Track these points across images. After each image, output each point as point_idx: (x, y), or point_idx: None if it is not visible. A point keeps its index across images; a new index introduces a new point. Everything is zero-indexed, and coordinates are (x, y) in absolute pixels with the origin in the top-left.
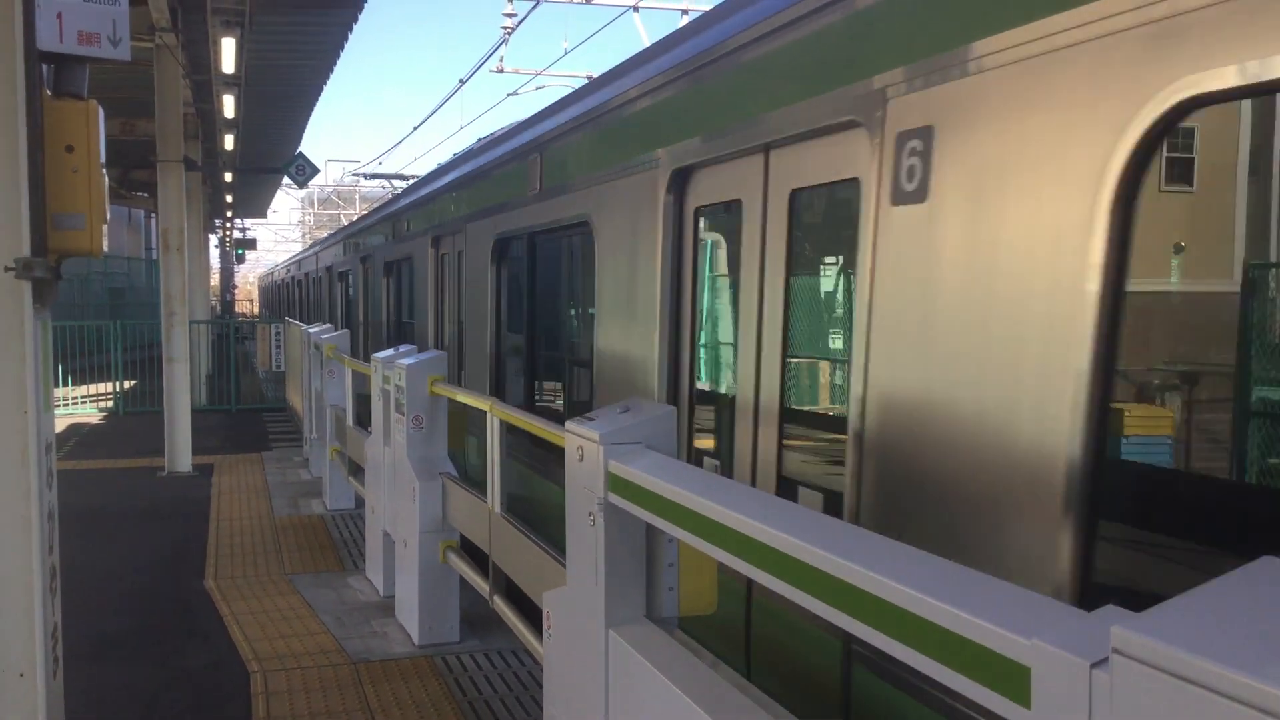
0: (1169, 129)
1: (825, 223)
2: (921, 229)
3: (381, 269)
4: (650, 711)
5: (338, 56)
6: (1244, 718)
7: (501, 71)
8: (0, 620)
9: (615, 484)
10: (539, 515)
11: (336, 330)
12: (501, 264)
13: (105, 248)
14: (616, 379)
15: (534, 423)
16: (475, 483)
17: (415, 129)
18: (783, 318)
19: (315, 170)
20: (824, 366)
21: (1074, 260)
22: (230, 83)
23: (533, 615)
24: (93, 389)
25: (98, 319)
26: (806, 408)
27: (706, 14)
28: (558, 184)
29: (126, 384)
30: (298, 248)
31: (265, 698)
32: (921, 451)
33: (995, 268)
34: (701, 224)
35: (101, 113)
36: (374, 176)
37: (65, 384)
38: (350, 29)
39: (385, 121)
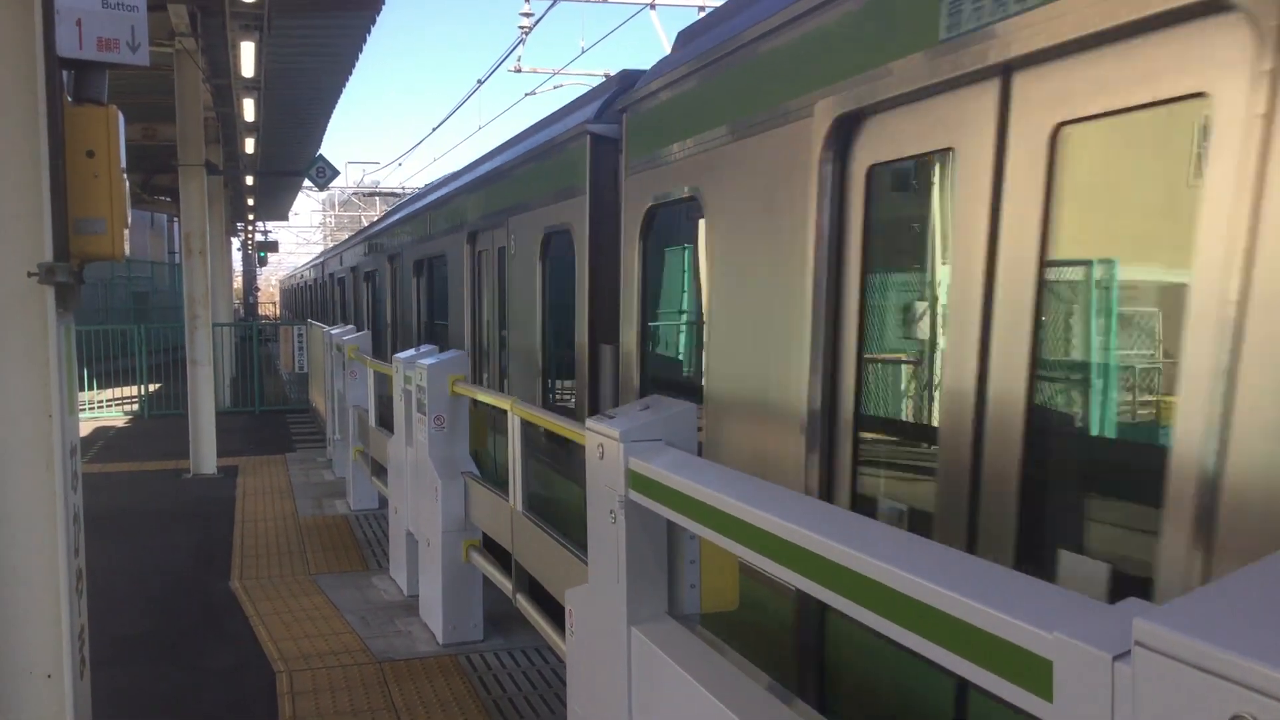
0: None
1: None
2: None
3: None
4: (674, 708)
5: (356, 59)
6: (1269, 710)
7: (519, 71)
8: (27, 622)
9: (636, 481)
10: (562, 514)
11: (363, 333)
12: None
13: (127, 252)
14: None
15: (555, 421)
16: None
17: (434, 130)
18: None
19: (335, 172)
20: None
21: None
22: (250, 86)
23: (555, 613)
24: (117, 393)
25: (122, 323)
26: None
27: None
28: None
29: (151, 387)
30: (319, 250)
31: (291, 697)
32: None
33: None
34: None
35: (122, 118)
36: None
37: (90, 388)
38: (368, 31)
39: (404, 123)
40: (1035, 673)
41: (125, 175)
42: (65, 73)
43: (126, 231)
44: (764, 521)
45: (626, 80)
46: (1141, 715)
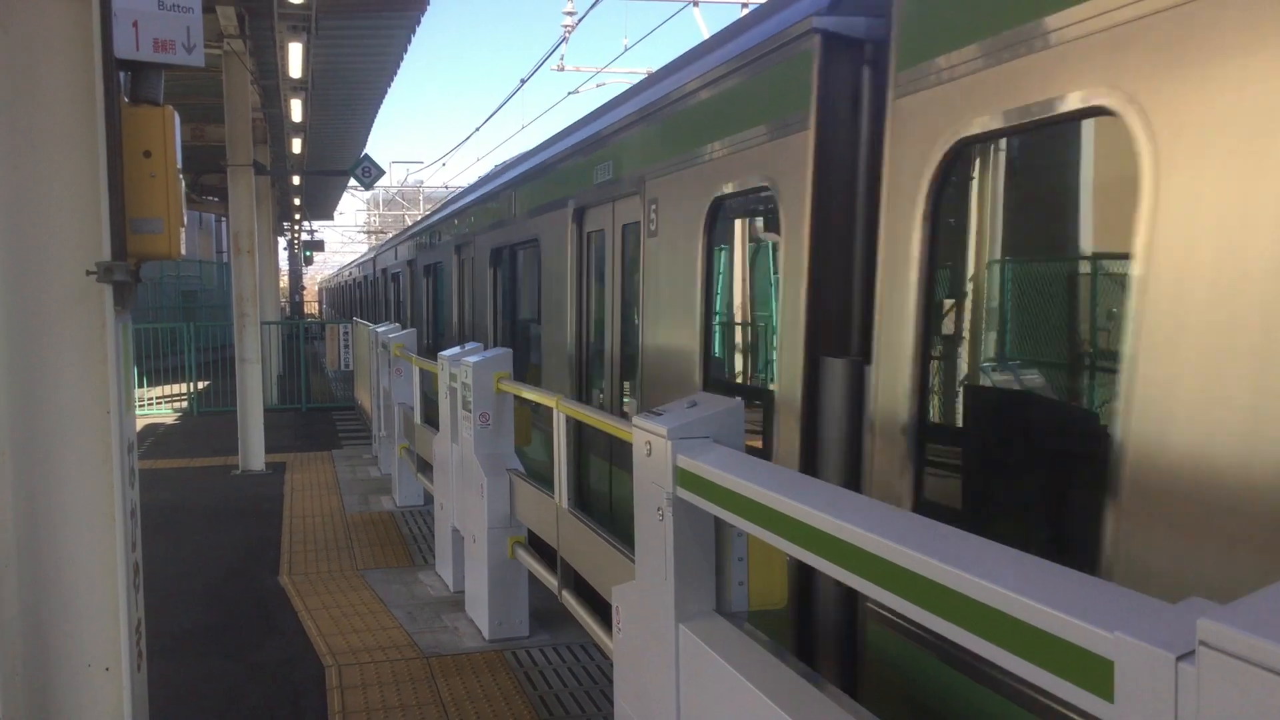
0: None
1: None
2: None
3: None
4: (723, 706)
5: (402, 59)
6: None
7: (562, 70)
8: (86, 616)
9: (684, 478)
10: (607, 509)
11: (409, 331)
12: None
13: (184, 251)
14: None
15: (601, 419)
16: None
17: (477, 129)
18: None
19: (381, 172)
20: None
21: None
22: (298, 87)
23: (601, 609)
24: (167, 390)
25: (171, 321)
26: None
27: None
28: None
29: (199, 384)
30: (363, 249)
31: (340, 691)
32: None
33: None
34: None
35: (177, 118)
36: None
37: (141, 385)
38: (414, 31)
39: (447, 123)
40: (1096, 673)
41: (181, 175)
42: (122, 74)
43: (182, 231)
44: (814, 519)
45: None
46: (1205, 716)
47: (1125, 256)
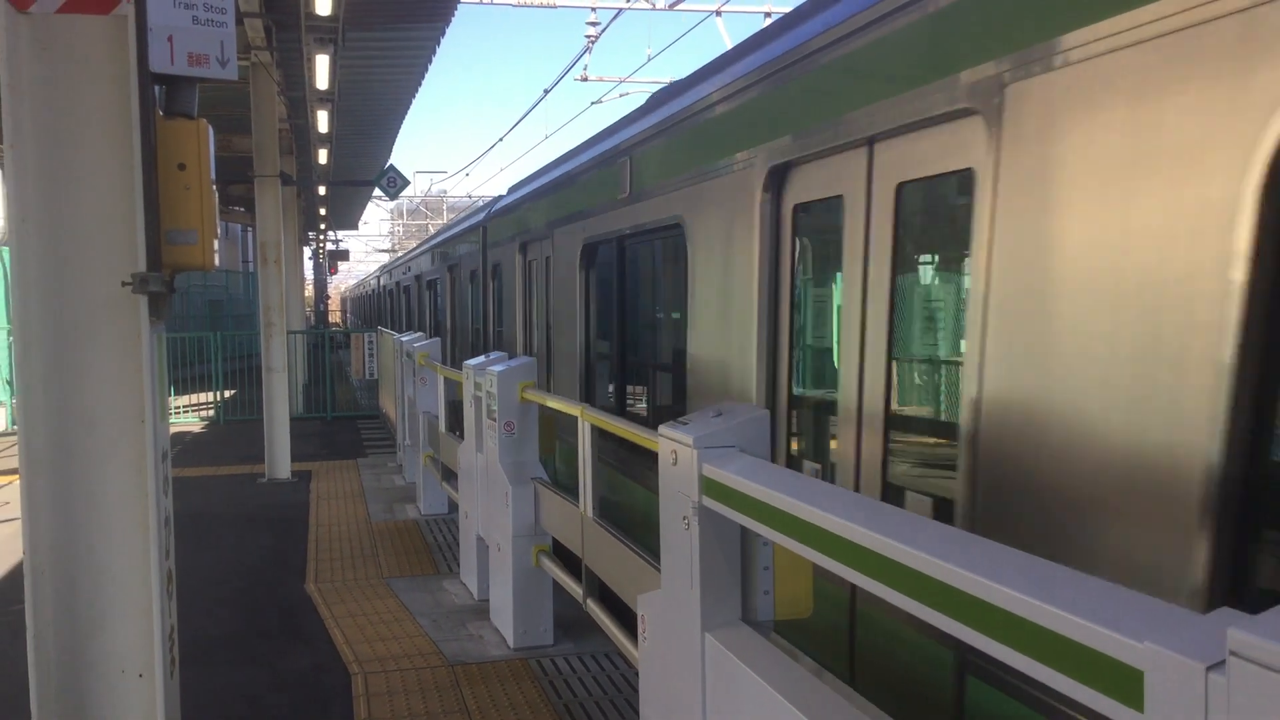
0: None
1: None
2: None
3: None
4: (750, 715)
5: (426, 69)
6: None
7: (586, 80)
8: (120, 622)
9: (709, 487)
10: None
11: (433, 340)
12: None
13: (217, 262)
14: None
15: (627, 428)
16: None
17: (500, 139)
18: None
19: (406, 182)
20: None
21: None
22: (324, 98)
23: (625, 618)
24: (194, 398)
25: (198, 330)
26: None
27: None
28: None
29: (226, 393)
30: (386, 258)
31: (366, 699)
32: None
33: None
34: None
35: (211, 131)
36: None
37: (169, 394)
38: (438, 42)
39: (470, 133)
40: (1126, 683)
41: (215, 187)
42: (157, 88)
43: (216, 242)
44: (841, 529)
45: None
46: None
47: None
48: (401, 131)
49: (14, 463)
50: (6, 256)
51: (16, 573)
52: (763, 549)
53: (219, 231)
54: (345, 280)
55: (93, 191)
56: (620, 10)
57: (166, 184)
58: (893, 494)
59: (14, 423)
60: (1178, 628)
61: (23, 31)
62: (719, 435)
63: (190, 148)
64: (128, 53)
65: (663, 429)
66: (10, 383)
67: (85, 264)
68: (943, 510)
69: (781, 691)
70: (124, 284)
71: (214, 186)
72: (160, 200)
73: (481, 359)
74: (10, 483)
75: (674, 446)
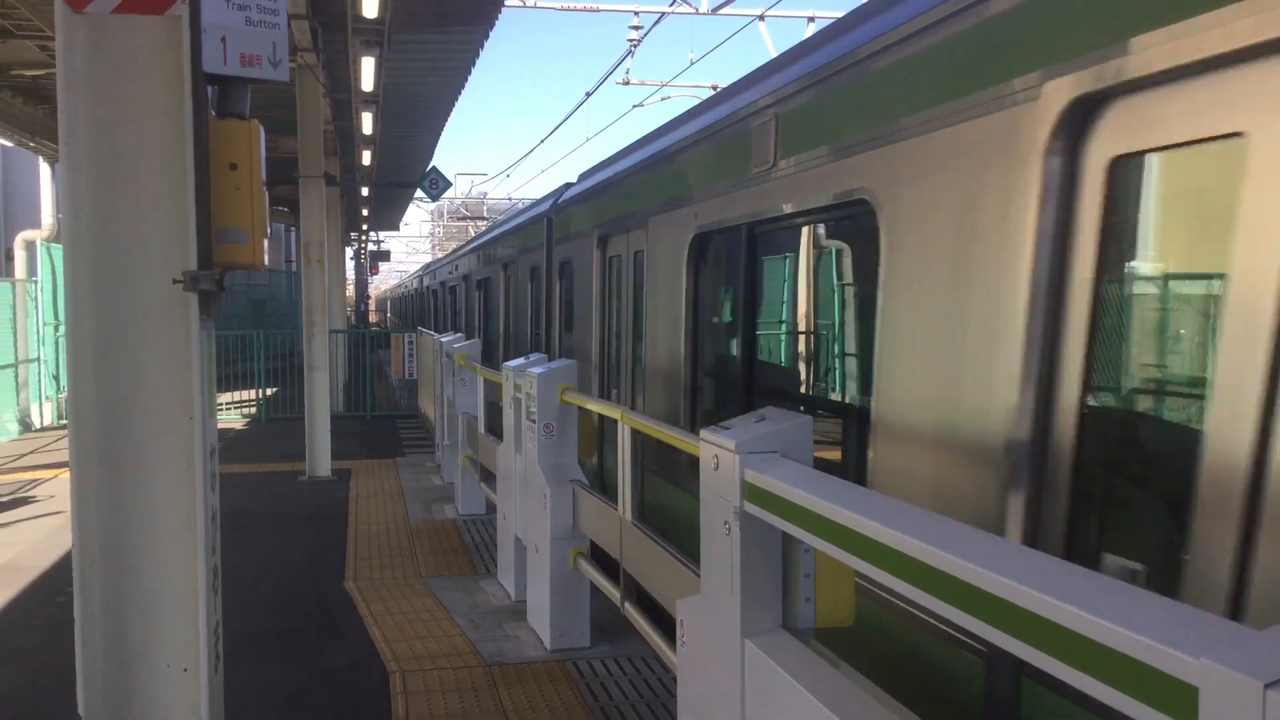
0: None
1: None
2: None
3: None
4: None
5: (470, 72)
6: None
7: (628, 83)
8: (166, 617)
9: (751, 493)
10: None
11: (472, 341)
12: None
13: (266, 262)
14: None
15: (668, 431)
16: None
17: (541, 142)
18: None
19: (448, 184)
20: None
21: None
22: (369, 100)
23: (663, 622)
24: (236, 396)
25: (240, 329)
26: None
27: None
28: None
29: (268, 391)
30: (427, 259)
31: (404, 697)
32: None
33: None
34: None
35: (262, 131)
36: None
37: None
38: (482, 45)
39: (512, 135)
40: (1180, 699)
41: (265, 187)
42: (209, 88)
43: (265, 242)
44: (886, 536)
45: None
46: None
47: None
48: (443, 133)
49: (61, 456)
50: (57, 254)
51: (63, 563)
52: (804, 555)
53: (269, 231)
54: (385, 280)
55: (145, 190)
56: (663, 14)
57: (218, 183)
58: None
59: (61, 417)
60: (1234, 644)
61: (78, 31)
62: (762, 440)
63: (242, 148)
64: (181, 53)
65: (704, 433)
66: (57, 378)
67: (137, 262)
68: None
69: (824, 700)
70: (175, 282)
71: (264, 187)
72: (212, 200)
73: (521, 360)
74: (56, 476)
75: (716, 451)
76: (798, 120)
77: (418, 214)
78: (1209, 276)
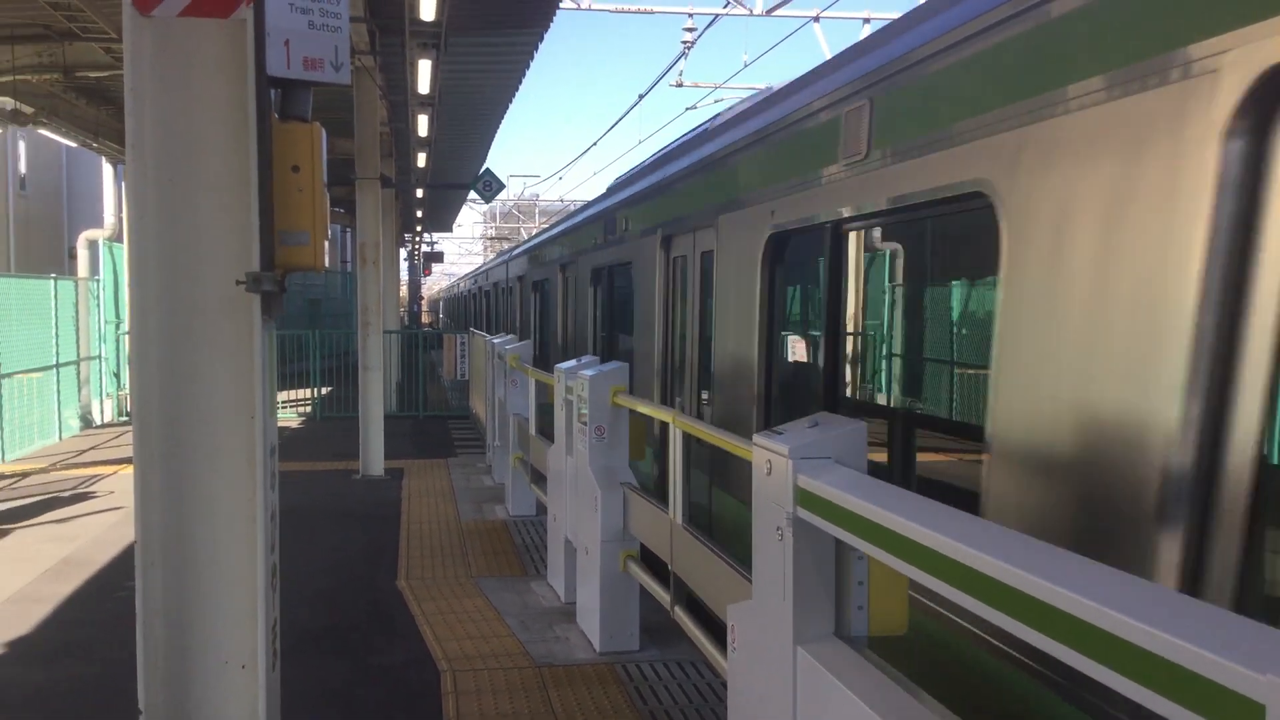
0: None
1: None
2: None
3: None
4: None
5: (524, 74)
6: None
7: (680, 86)
8: (225, 614)
9: (804, 499)
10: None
11: (524, 343)
12: None
13: (327, 263)
14: None
15: (719, 435)
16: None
17: (594, 143)
18: None
19: (501, 186)
20: None
21: None
22: (425, 102)
23: (712, 626)
24: (291, 395)
25: (296, 329)
26: None
27: None
28: None
29: (322, 390)
30: (479, 260)
31: (455, 697)
32: None
33: None
34: None
35: (324, 134)
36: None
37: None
38: (536, 47)
39: (564, 137)
40: (1245, 716)
41: (326, 190)
42: (273, 91)
43: (326, 243)
44: (944, 545)
45: None
46: None
47: None
48: (496, 135)
49: (121, 453)
50: (119, 253)
51: (123, 558)
52: (857, 563)
53: (329, 232)
54: (438, 282)
55: (209, 192)
56: (717, 15)
57: (281, 185)
58: None
59: (121, 414)
60: None
61: (146, 34)
62: (815, 446)
63: (304, 150)
64: (246, 56)
65: (757, 438)
66: (118, 375)
67: (200, 263)
68: None
69: (877, 710)
70: (238, 283)
71: (325, 189)
72: (274, 202)
73: (573, 363)
74: (116, 472)
75: (769, 456)
76: (897, 104)
77: (469, 214)
78: None
